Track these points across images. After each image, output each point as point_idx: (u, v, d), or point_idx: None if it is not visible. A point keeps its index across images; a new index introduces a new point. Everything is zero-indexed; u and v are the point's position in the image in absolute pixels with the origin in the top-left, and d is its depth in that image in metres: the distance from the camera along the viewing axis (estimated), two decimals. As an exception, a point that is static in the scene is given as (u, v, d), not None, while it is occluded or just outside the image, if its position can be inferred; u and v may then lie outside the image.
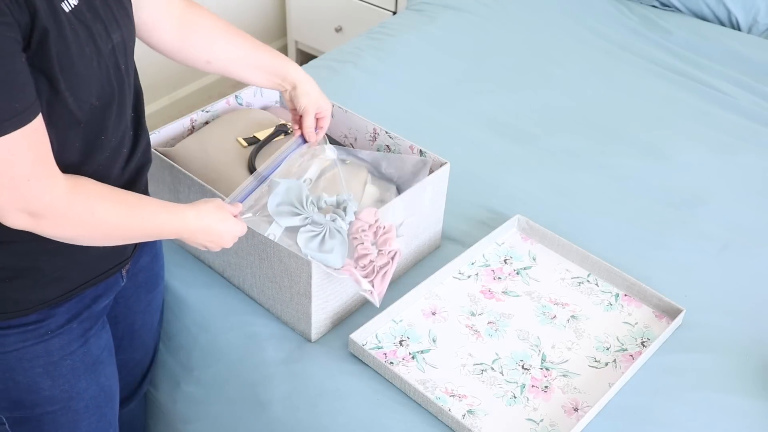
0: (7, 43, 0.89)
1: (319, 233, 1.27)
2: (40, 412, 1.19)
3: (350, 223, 1.31)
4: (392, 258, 1.32)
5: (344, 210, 1.31)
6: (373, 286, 1.30)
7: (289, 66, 1.35)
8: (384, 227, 1.33)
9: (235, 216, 1.21)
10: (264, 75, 1.35)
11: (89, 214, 1.02)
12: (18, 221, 0.97)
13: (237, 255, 1.42)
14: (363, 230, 1.30)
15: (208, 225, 1.16)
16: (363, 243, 1.30)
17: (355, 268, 1.30)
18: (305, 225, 1.27)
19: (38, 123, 0.95)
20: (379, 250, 1.31)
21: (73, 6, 0.97)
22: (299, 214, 1.27)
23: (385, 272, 1.30)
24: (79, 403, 1.22)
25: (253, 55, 1.33)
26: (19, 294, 1.09)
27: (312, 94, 1.36)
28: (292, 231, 1.28)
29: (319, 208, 1.31)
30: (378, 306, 1.32)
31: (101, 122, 1.06)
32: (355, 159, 1.50)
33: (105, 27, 1.03)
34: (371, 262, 1.30)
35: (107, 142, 1.08)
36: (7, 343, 1.11)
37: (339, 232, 1.28)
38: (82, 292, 1.16)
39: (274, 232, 1.27)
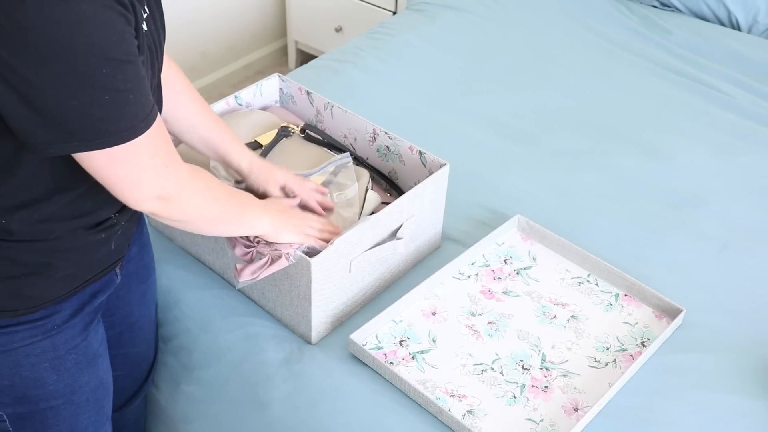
0: (137, 49, 0.96)
1: None
2: (44, 406, 1.20)
3: None
4: (272, 259, 1.27)
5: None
6: (239, 267, 1.29)
7: (240, 159, 1.39)
8: None
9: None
10: (215, 156, 1.40)
11: (209, 194, 1.15)
12: (150, 206, 1.07)
13: (237, 257, 1.42)
14: None
15: (286, 206, 1.31)
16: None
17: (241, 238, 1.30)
18: None
19: (160, 116, 1.04)
20: (271, 245, 1.28)
21: (144, 30, 1.02)
22: None
23: (263, 265, 1.28)
24: (81, 397, 1.24)
25: (210, 133, 1.37)
26: (32, 291, 1.11)
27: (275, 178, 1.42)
28: None
29: None
30: (236, 287, 1.35)
31: None
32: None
33: (156, 51, 1.09)
34: (255, 237, 1.28)
35: None
36: (15, 340, 1.13)
37: None
38: (84, 288, 1.18)
39: None
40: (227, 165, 1.40)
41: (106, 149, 0.96)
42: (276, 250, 1.27)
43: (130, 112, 0.96)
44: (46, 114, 0.91)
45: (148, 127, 0.99)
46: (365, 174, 1.50)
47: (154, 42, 1.08)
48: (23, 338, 1.13)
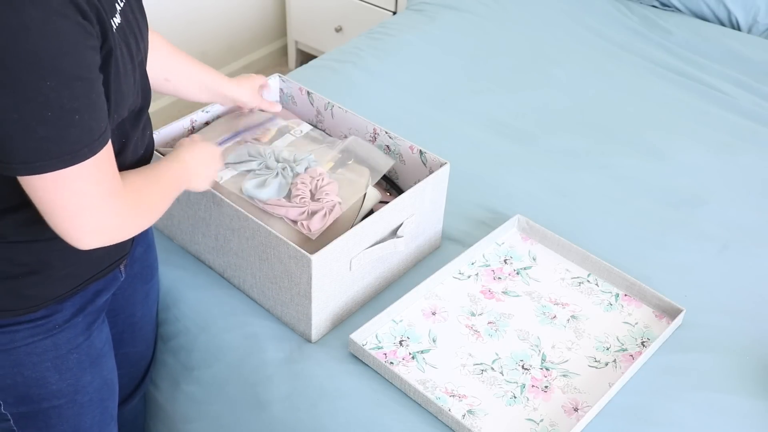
0: (95, 66, 0.93)
1: (266, 177, 1.38)
2: (46, 406, 1.20)
3: (296, 175, 1.40)
4: (330, 208, 1.35)
5: (296, 164, 1.40)
6: (304, 225, 1.34)
7: (227, 87, 1.50)
8: (323, 179, 1.39)
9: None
10: (210, 94, 1.48)
11: (148, 212, 1.10)
12: (89, 240, 1.01)
13: (237, 256, 1.42)
14: (303, 181, 1.37)
15: (201, 160, 1.26)
16: (298, 186, 1.37)
17: (288, 201, 1.36)
18: (259, 168, 1.40)
19: (110, 142, 0.99)
20: (316, 198, 1.36)
21: (117, 24, 0.99)
22: (255, 160, 1.42)
23: (325, 215, 1.34)
24: (84, 397, 1.24)
25: (202, 76, 1.45)
26: (31, 290, 1.11)
27: (246, 86, 1.54)
28: (240, 178, 1.40)
29: (277, 160, 1.41)
30: (313, 238, 1.35)
31: (128, 130, 1.10)
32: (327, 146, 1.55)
33: (136, 41, 1.07)
34: (302, 199, 1.35)
35: (130, 145, 1.12)
36: (17, 339, 1.13)
37: (283, 176, 1.38)
38: (86, 287, 1.18)
39: (222, 175, 1.40)
40: (226, 98, 1.51)
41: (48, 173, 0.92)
42: (328, 202, 1.35)
43: (74, 135, 0.91)
44: None
45: (94, 154, 0.94)
46: (365, 171, 1.50)
47: (134, 32, 1.05)
48: (24, 337, 1.13)
